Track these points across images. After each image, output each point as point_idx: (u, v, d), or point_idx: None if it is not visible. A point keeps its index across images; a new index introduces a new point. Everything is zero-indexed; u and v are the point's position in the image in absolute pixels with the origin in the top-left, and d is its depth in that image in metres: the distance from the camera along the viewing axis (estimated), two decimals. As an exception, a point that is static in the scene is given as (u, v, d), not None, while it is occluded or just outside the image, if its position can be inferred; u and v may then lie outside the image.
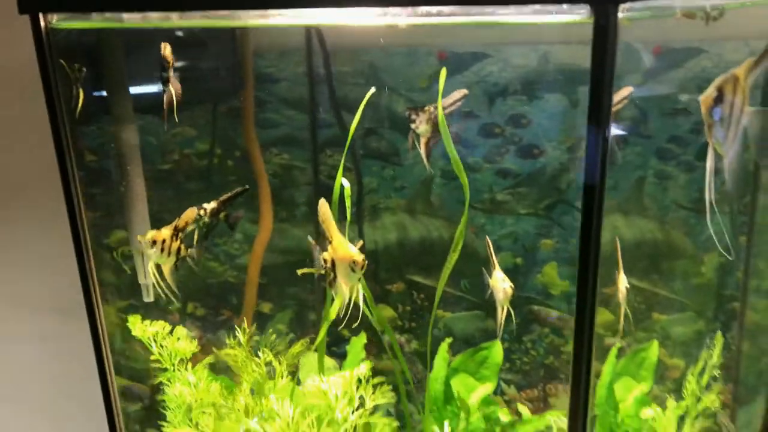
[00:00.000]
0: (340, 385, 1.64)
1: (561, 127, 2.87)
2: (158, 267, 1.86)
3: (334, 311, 1.82)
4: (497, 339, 2.29)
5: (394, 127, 2.97)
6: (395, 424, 1.78)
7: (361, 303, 1.78)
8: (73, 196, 1.86)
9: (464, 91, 2.11)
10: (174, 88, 1.87)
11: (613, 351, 2.31)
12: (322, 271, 1.76)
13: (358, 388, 1.68)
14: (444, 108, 2.12)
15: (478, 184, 2.98)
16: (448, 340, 2.40)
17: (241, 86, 2.67)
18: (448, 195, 3.01)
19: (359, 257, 1.69)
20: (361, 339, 2.45)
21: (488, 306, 3.06)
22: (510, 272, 2.17)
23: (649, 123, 2.87)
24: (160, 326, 2.12)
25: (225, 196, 2.02)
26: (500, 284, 2.01)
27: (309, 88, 2.94)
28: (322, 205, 1.78)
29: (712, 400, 2.00)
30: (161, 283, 1.86)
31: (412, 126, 2.19)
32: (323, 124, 2.98)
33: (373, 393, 1.70)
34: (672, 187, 2.92)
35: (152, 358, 2.08)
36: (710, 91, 1.65)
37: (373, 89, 1.96)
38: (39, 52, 1.75)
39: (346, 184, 1.88)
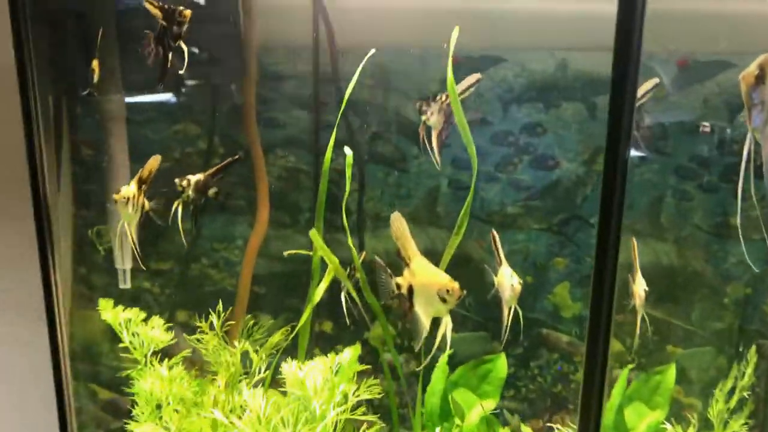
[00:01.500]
0: (320, 373, 1.44)
1: (577, 137, 2.71)
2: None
3: (318, 293, 1.63)
4: (502, 349, 2.08)
5: (401, 132, 2.83)
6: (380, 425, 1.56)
7: (449, 337, 1.50)
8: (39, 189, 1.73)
9: (477, 76, 1.99)
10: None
11: (624, 372, 2.11)
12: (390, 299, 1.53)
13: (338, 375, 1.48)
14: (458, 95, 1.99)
15: (488, 196, 2.81)
16: (449, 351, 2.20)
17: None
18: (456, 205, 2.84)
19: (454, 283, 1.44)
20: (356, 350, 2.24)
21: (493, 326, 2.86)
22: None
23: (669, 140, 2.71)
24: (134, 313, 1.94)
25: (213, 169, 1.85)
26: (507, 280, 1.81)
27: (314, 87, 2.80)
28: (396, 219, 1.54)
29: (740, 425, 1.78)
30: (135, 244, 1.70)
31: (423, 118, 2.05)
32: (328, 125, 2.85)
33: (357, 387, 1.50)
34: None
35: (121, 345, 1.89)
36: (752, 68, 1.47)
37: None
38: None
39: (349, 152, 1.69)
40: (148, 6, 1.75)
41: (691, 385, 2.65)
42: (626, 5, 1.33)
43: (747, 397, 1.82)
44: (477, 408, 2.10)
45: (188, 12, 1.78)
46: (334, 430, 1.51)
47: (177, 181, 1.84)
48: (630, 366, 2.13)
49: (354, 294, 1.64)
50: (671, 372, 2.13)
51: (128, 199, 1.68)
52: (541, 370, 2.87)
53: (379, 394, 1.53)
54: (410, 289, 1.48)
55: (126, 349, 1.94)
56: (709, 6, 2.45)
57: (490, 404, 2.11)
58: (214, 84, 2.70)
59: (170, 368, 1.92)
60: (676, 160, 2.68)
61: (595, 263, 1.37)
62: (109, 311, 1.92)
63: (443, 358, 2.19)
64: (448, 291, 1.42)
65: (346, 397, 1.49)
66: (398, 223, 1.52)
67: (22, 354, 2.69)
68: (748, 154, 1.52)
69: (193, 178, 1.85)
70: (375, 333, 2.98)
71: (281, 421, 1.49)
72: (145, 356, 1.93)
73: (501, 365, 2.16)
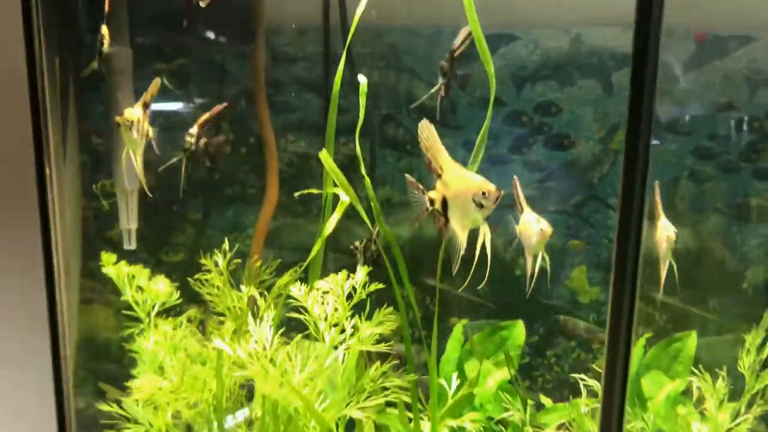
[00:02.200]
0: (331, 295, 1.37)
1: (593, 115, 2.66)
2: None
3: (329, 226, 1.56)
4: (528, 299, 1.97)
5: (413, 114, 2.78)
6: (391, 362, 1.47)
7: (489, 247, 1.39)
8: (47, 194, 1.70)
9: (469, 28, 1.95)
10: None
11: (641, 340, 2.01)
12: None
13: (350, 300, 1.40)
14: (455, 51, 1.96)
15: (503, 178, 2.74)
16: (464, 321, 2.13)
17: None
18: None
19: (490, 185, 1.33)
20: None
21: (508, 314, 2.76)
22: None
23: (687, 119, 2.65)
24: (137, 270, 1.87)
25: (201, 119, 1.78)
26: (533, 227, 1.68)
27: (324, 69, 2.77)
28: (425, 127, 1.40)
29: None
30: (141, 171, 1.63)
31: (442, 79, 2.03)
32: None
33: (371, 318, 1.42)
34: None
35: (123, 299, 1.81)
36: None
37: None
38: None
39: (363, 80, 1.62)
40: None
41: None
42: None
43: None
44: (494, 376, 2.01)
45: None
46: (344, 366, 1.43)
47: (188, 139, 1.79)
48: (647, 334, 2.03)
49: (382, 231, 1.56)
50: (692, 339, 2.03)
51: (132, 123, 1.62)
52: (558, 359, 2.77)
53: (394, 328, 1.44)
54: (444, 203, 1.37)
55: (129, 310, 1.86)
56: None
57: (507, 373, 2.01)
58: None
59: (174, 328, 1.85)
60: (695, 140, 2.61)
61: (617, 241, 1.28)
62: (111, 266, 1.85)
63: (458, 326, 2.11)
64: (484, 194, 1.32)
65: (356, 328, 1.41)
66: (427, 131, 1.39)
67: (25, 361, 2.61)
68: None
69: (194, 131, 1.80)
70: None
71: (287, 356, 1.41)
72: (149, 315, 1.86)
73: (518, 332, 2.08)
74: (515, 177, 1.80)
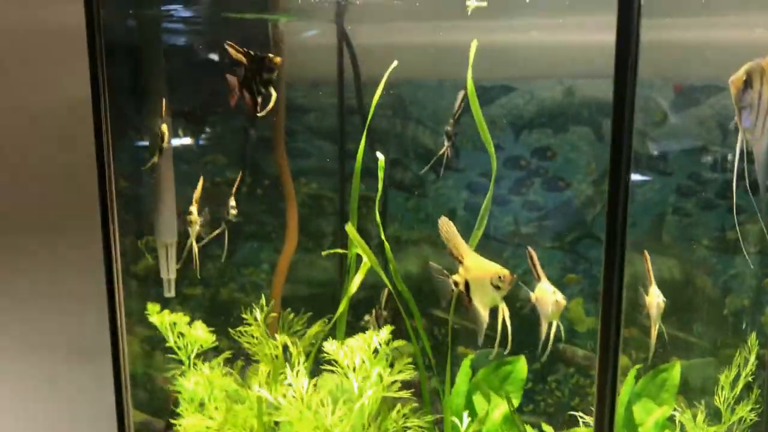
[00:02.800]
0: (358, 352, 1.59)
1: (586, 159, 2.88)
2: None
3: (354, 285, 1.78)
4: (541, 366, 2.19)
5: (419, 159, 3.01)
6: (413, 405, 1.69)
7: (509, 324, 1.67)
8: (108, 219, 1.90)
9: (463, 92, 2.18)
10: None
11: (632, 372, 2.22)
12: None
13: (376, 354, 1.62)
14: (455, 114, 2.19)
15: (503, 217, 2.97)
16: (471, 355, 2.34)
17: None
18: (472, 228, 2.99)
19: (505, 270, 1.59)
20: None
21: (514, 343, 2.98)
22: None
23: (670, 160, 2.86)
24: (178, 317, 2.09)
25: (234, 188, 2.06)
26: (549, 296, 1.88)
27: (339, 118, 3.00)
28: (444, 223, 1.65)
29: (746, 411, 1.89)
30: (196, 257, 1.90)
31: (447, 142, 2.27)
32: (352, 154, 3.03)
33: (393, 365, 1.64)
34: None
35: (167, 344, 2.03)
36: (740, 74, 1.63)
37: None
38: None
39: (381, 156, 1.86)
40: (231, 52, 1.82)
41: (692, 395, 2.75)
42: (624, 36, 1.46)
43: (752, 381, 1.93)
44: (500, 408, 2.22)
45: (279, 59, 1.83)
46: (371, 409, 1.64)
47: (231, 212, 2.06)
48: (638, 366, 2.23)
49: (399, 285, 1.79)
50: (676, 369, 2.24)
51: (194, 221, 1.94)
52: (559, 384, 2.98)
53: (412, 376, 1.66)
54: (466, 285, 1.62)
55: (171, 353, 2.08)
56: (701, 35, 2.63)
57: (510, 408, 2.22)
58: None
59: (212, 368, 2.07)
60: (677, 180, 2.83)
61: (604, 268, 1.49)
62: (155, 315, 2.07)
63: (466, 361, 2.32)
64: (500, 278, 1.57)
65: (381, 377, 1.63)
66: (446, 226, 1.64)
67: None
68: (741, 151, 1.68)
69: (233, 203, 2.07)
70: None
71: (321, 402, 1.63)
72: (189, 357, 2.08)
73: (521, 367, 2.28)
74: (530, 249, 1.97)
